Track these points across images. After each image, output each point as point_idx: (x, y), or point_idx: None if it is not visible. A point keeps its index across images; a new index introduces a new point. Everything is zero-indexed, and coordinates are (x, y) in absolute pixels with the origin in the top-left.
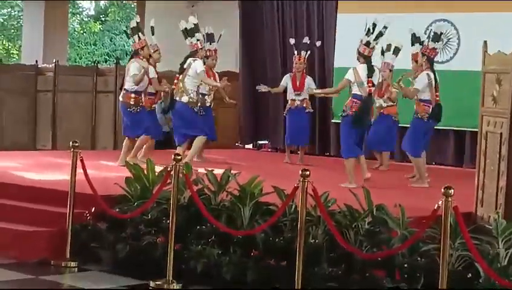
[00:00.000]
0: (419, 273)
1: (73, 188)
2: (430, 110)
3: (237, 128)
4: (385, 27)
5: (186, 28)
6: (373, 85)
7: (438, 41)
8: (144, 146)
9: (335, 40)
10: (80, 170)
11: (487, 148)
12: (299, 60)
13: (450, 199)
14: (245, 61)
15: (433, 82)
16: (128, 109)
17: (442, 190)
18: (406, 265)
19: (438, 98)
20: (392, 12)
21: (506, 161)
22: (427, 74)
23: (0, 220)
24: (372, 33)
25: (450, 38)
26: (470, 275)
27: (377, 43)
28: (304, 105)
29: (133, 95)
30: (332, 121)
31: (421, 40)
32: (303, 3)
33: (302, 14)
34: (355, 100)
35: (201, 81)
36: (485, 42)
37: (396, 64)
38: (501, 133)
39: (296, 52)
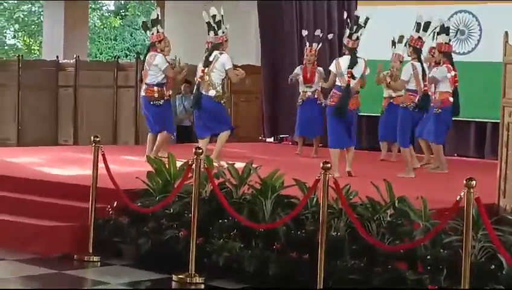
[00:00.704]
0: (442, 265)
1: (95, 183)
2: (416, 99)
3: (260, 122)
4: (367, 18)
5: (215, 18)
6: (352, 76)
7: (425, 31)
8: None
9: None
10: (101, 165)
11: (509, 139)
12: (310, 52)
13: (472, 191)
14: (265, 56)
15: (420, 72)
16: (152, 102)
17: (464, 181)
18: (428, 257)
19: (426, 88)
20: (413, 5)
21: None
22: (412, 64)
23: (23, 215)
24: (356, 25)
25: (471, 29)
26: (493, 266)
27: (361, 34)
28: (316, 96)
29: (155, 88)
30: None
31: (448, 30)
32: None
33: (321, 7)
34: (335, 91)
35: (228, 74)
36: (506, 33)
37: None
38: None
39: (307, 44)
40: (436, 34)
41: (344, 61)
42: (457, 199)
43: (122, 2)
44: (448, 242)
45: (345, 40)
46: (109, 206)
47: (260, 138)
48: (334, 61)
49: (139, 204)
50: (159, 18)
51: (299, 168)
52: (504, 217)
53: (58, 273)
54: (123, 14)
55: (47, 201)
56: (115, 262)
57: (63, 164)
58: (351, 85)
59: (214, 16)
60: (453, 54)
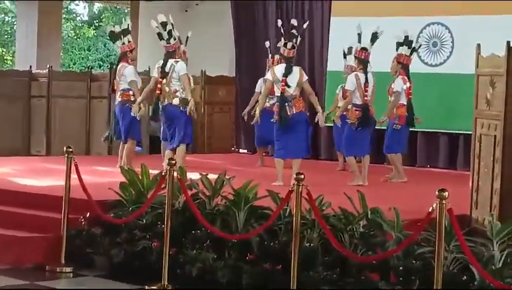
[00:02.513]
0: (414, 276)
1: (68, 194)
2: (361, 115)
3: (233, 133)
4: (303, 29)
5: (165, 28)
6: (286, 84)
7: (372, 42)
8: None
9: (328, 43)
10: (74, 175)
11: (481, 151)
12: (273, 63)
13: (444, 202)
14: (240, 66)
15: (362, 83)
16: (128, 105)
17: (437, 192)
18: (400, 268)
19: (366, 99)
20: (387, 16)
21: (500, 163)
22: (356, 74)
23: None
24: (290, 34)
25: (443, 41)
26: (464, 277)
27: (296, 43)
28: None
29: (131, 92)
30: (326, 124)
31: (411, 43)
32: (298, 3)
33: (296, 17)
34: (277, 104)
35: (181, 84)
36: (479, 45)
37: (379, 67)
38: (495, 136)
39: (270, 55)
40: (398, 44)
41: (279, 69)
42: (430, 210)
43: (96, 11)
44: (421, 253)
45: (281, 49)
46: (82, 217)
47: (233, 149)
48: (270, 69)
49: (111, 215)
50: (130, 28)
51: (272, 179)
52: (476, 228)
53: (30, 284)
54: (97, 24)
55: (19, 211)
56: (88, 273)
57: (36, 175)
58: (288, 93)
59: (163, 24)
60: (425, 65)
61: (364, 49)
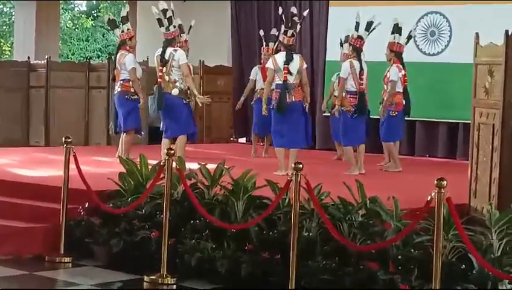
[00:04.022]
0: (413, 265)
1: (67, 184)
2: (356, 102)
3: (231, 123)
4: (303, 17)
5: (165, 15)
6: (288, 72)
7: (367, 30)
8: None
9: (326, 33)
10: (73, 166)
11: (480, 140)
12: (268, 51)
13: (443, 191)
14: (237, 56)
15: (357, 70)
16: (127, 97)
17: (435, 181)
18: (399, 257)
19: (362, 87)
20: (385, 5)
21: (499, 152)
22: (350, 61)
23: None
24: (291, 22)
25: (441, 30)
26: (463, 266)
27: (296, 31)
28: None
29: (131, 84)
30: (324, 114)
31: (401, 31)
32: None
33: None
34: (276, 90)
35: (182, 74)
36: (477, 34)
37: (374, 56)
38: (493, 125)
39: (264, 43)
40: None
41: (280, 57)
42: (428, 199)
43: (94, 2)
44: (420, 242)
45: (281, 37)
46: (81, 207)
47: (232, 138)
48: (271, 58)
49: (110, 205)
50: (128, 16)
51: (271, 169)
52: (475, 217)
53: (29, 275)
54: (95, 14)
55: (18, 202)
56: (87, 263)
57: (35, 165)
58: (290, 81)
59: (164, 11)
60: (423, 54)
61: (360, 37)
